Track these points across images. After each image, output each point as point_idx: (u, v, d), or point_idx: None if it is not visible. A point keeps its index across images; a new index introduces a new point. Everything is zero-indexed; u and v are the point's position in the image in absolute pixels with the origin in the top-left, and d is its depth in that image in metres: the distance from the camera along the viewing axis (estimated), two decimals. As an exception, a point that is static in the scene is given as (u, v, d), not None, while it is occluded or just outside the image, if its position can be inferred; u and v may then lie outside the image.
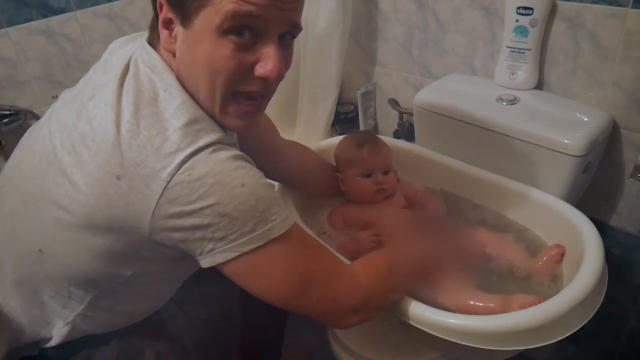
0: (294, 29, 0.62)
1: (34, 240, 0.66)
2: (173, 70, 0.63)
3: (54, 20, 1.24)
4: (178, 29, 0.60)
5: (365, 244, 0.91)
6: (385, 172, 0.98)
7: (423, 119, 1.10)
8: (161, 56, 0.63)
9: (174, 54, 0.62)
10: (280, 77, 0.61)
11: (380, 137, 1.04)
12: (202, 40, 0.58)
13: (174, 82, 0.61)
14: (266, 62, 0.59)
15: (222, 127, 0.64)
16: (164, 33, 0.62)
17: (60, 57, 1.28)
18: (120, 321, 0.75)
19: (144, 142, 0.57)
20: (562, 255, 0.84)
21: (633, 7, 0.85)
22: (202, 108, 0.62)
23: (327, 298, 0.66)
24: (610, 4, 0.87)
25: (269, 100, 0.67)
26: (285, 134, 0.99)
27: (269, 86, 0.63)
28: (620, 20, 0.87)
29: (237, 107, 0.63)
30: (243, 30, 0.57)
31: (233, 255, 0.60)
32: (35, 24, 1.21)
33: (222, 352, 1.22)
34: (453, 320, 0.70)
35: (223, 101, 0.61)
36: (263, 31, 0.59)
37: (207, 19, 0.57)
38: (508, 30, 1.00)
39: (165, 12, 0.60)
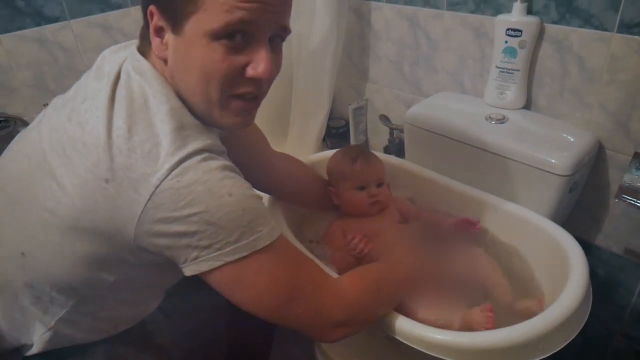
0: (283, 31, 0.64)
1: (17, 243, 0.65)
2: (165, 77, 0.63)
3: (48, 29, 1.24)
4: (169, 36, 0.61)
5: (351, 249, 0.90)
6: (379, 185, 0.99)
7: (413, 136, 1.11)
8: (152, 64, 0.64)
9: (165, 61, 0.63)
10: (271, 77, 0.63)
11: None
12: (193, 45, 0.59)
13: (162, 88, 0.62)
14: (257, 64, 0.60)
15: (212, 133, 0.65)
16: (155, 41, 0.62)
17: (53, 65, 1.28)
18: (103, 327, 0.74)
19: (134, 147, 0.58)
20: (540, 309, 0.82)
21: (618, 31, 0.87)
22: (196, 113, 0.63)
23: (311, 311, 0.66)
24: (596, 28, 0.90)
25: (261, 100, 0.68)
26: (276, 148, 0.99)
27: (261, 87, 0.64)
28: (605, 44, 0.89)
29: (236, 103, 0.64)
30: (234, 34, 0.59)
31: (217, 264, 0.59)
32: (28, 31, 1.21)
33: (208, 365, 1.21)
34: (439, 336, 0.71)
35: (220, 103, 0.62)
36: (253, 34, 0.60)
37: (198, 24, 0.58)
38: (497, 51, 1.02)
39: (157, 21, 0.61)
